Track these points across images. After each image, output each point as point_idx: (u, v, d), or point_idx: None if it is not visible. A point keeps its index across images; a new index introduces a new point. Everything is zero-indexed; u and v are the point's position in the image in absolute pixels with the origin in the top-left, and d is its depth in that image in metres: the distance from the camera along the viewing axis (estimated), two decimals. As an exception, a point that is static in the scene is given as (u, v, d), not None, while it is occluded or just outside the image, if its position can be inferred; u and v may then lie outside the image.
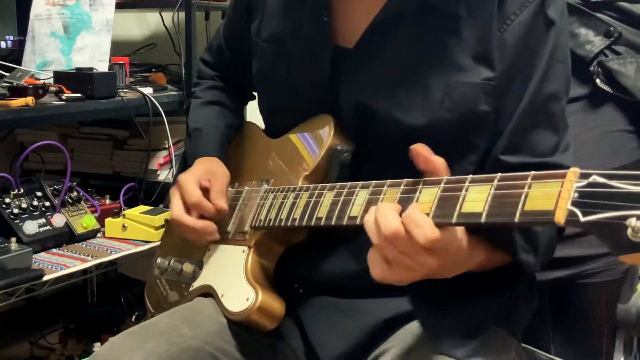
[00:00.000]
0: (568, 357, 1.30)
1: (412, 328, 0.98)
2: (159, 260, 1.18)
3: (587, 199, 0.66)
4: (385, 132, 1.00)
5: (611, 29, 1.32)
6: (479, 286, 0.96)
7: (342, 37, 1.04)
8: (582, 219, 0.65)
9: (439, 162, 0.84)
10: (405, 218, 0.78)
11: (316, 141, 1.05)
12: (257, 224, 1.05)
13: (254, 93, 1.34)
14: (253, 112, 1.28)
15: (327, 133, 1.03)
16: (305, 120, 1.09)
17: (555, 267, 1.26)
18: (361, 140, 1.03)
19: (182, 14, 2.03)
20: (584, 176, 0.67)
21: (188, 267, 1.14)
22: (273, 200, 1.03)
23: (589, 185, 0.66)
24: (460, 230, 0.83)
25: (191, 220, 1.08)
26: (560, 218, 0.67)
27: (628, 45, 1.33)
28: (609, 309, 1.27)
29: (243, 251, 1.05)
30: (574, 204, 0.66)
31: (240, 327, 1.03)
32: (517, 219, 0.71)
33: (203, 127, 1.23)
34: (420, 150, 0.84)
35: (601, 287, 1.29)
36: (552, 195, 0.68)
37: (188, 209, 1.09)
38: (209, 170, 1.12)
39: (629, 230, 0.62)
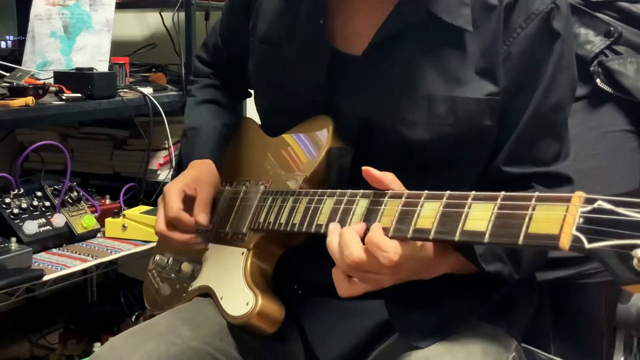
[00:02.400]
0: (568, 357, 1.29)
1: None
2: (157, 257, 1.18)
3: (592, 225, 0.65)
4: (387, 144, 0.99)
5: (611, 29, 1.32)
6: (456, 287, 0.96)
7: (340, 42, 1.03)
8: (587, 245, 0.64)
9: (389, 177, 0.85)
10: (368, 243, 0.80)
11: (315, 143, 1.04)
12: (255, 227, 1.04)
13: (250, 91, 1.33)
14: (253, 110, 1.27)
15: (326, 135, 1.02)
16: (304, 121, 1.08)
17: (555, 267, 1.25)
18: (361, 147, 1.02)
19: (182, 14, 2.03)
20: (589, 201, 0.66)
21: (186, 267, 1.14)
22: (272, 203, 1.03)
23: (594, 211, 0.65)
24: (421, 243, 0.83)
25: (174, 235, 1.07)
26: (564, 243, 0.66)
27: (628, 45, 1.33)
28: (609, 309, 1.26)
29: (242, 253, 1.05)
30: (578, 229, 0.65)
31: (240, 328, 1.03)
32: (521, 241, 0.70)
33: (199, 126, 1.22)
34: (371, 173, 0.85)
35: (601, 287, 1.29)
36: (556, 219, 0.67)
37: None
38: (196, 177, 1.11)
39: (635, 261, 0.61)
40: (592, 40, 1.33)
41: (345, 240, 0.82)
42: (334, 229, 0.86)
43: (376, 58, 0.99)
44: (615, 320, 1.17)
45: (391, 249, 0.79)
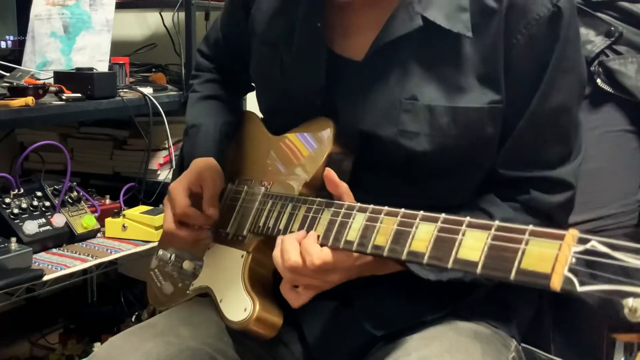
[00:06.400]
0: (568, 357, 1.29)
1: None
2: (160, 252, 1.18)
3: (585, 268, 0.63)
4: (388, 154, 0.98)
5: (612, 28, 1.32)
6: (426, 283, 0.95)
7: (339, 45, 1.02)
8: (578, 288, 0.63)
9: (344, 187, 0.90)
10: (301, 248, 0.87)
11: (316, 147, 1.03)
12: (255, 230, 1.04)
13: (252, 84, 1.31)
14: (253, 105, 1.26)
15: (327, 140, 1.01)
16: (306, 122, 1.07)
17: (556, 267, 1.25)
18: (362, 158, 1.00)
19: (182, 14, 2.03)
20: (582, 241, 0.64)
21: (188, 265, 1.14)
22: (271, 207, 1.02)
23: (587, 252, 0.63)
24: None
25: (183, 233, 1.08)
26: (556, 284, 0.64)
27: (629, 45, 1.33)
28: (609, 310, 1.26)
29: (242, 256, 1.04)
30: (571, 270, 0.64)
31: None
32: (512, 276, 0.68)
33: (201, 124, 1.21)
34: (332, 177, 0.90)
35: (601, 288, 1.29)
36: (549, 257, 0.66)
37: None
38: (200, 174, 1.10)
39: (626, 310, 0.59)
40: (593, 40, 1.32)
41: (285, 246, 0.88)
42: (279, 241, 0.91)
43: (376, 66, 0.97)
44: (616, 320, 1.17)
45: (315, 254, 0.85)
